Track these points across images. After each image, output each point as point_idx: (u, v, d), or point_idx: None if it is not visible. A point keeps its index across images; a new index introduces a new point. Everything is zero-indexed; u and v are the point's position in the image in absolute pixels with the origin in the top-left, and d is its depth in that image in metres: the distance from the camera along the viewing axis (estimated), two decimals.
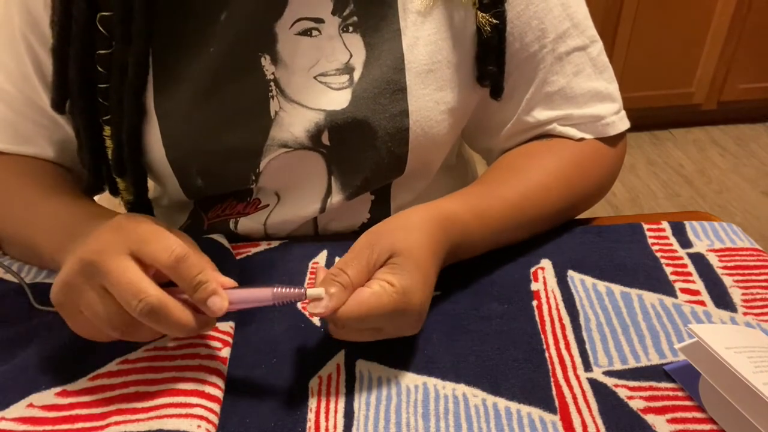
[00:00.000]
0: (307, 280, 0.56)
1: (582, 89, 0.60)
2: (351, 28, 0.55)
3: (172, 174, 0.58)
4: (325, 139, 0.57)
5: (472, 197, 0.56)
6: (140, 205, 0.61)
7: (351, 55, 0.55)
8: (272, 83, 0.56)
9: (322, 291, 0.43)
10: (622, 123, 0.62)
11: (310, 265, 0.58)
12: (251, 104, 0.56)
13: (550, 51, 0.58)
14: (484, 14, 0.55)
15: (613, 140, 0.63)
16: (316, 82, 0.55)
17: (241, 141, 0.57)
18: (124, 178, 0.59)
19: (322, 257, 0.58)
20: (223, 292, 0.43)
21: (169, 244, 0.42)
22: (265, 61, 0.55)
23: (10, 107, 0.59)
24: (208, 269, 0.43)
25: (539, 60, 0.58)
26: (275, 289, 0.43)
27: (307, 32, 0.55)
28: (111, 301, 0.41)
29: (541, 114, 0.61)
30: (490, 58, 0.57)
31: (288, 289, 0.43)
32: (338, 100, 0.55)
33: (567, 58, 0.59)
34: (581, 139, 0.61)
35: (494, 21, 0.55)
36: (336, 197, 0.60)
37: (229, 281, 0.44)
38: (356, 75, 0.55)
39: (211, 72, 0.55)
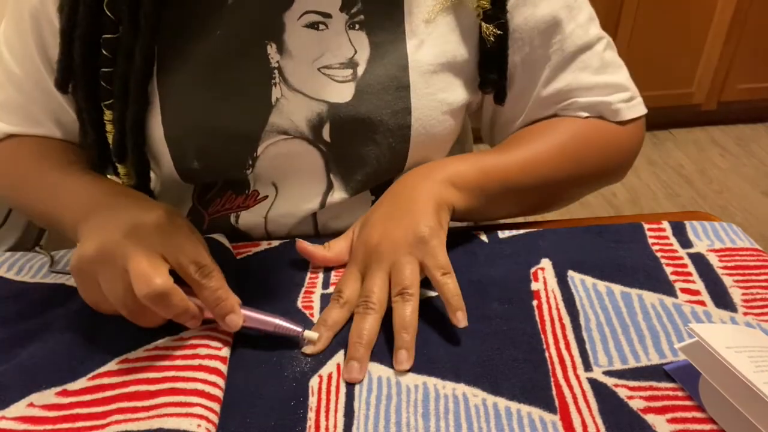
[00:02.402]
0: (307, 280, 0.56)
1: (590, 83, 0.60)
2: (357, 26, 0.55)
3: (168, 153, 0.58)
4: (326, 134, 0.57)
5: (467, 156, 0.60)
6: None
7: (355, 52, 0.56)
8: (276, 71, 0.56)
9: (316, 335, 0.48)
10: (630, 111, 0.62)
11: (310, 265, 0.58)
12: (252, 89, 0.57)
13: (557, 51, 0.59)
14: (488, 25, 0.56)
15: (624, 122, 0.63)
16: (319, 74, 0.56)
17: (239, 123, 0.57)
18: (124, 164, 0.60)
19: None
20: (240, 311, 0.48)
21: (198, 260, 0.47)
22: (271, 49, 0.56)
23: (18, 90, 0.61)
24: (226, 285, 0.48)
25: (546, 59, 0.59)
26: (278, 322, 0.48)
27: (314, 25, 0.55)
28: (128, 282, 0.44)
29: (549, 110, 0.62)
30: (492, 66, 0.59)
31: (289, 325, 0.48)
32: (342, 93, 0.56)
33: (574, 57, 0.60)
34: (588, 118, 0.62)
35: (498, 32, 0.56)
36: (337, 193, 0.61)
37: (237, 299, 0.48)
38: (360, 70, 0.56)
39: (215, 54, 0.56)
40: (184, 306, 0.46)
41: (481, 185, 0.57)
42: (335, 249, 0.57)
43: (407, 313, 0.48)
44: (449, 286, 0.49)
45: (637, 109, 0.63)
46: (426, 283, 0.52)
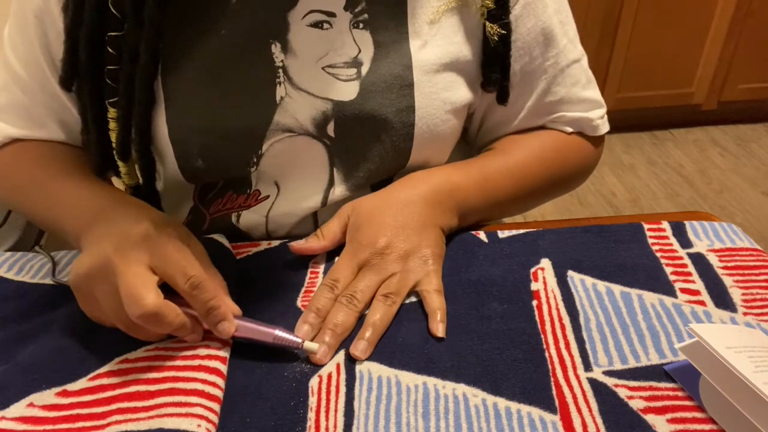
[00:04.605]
0: (307, 280, 0.56)
1: (579, 98, 0.64)
2: (361, 25, 0.56)
3: (171, 151, 0.58)
4: (330, 130, 0.58)
5: (474, 174, 0.62)
6: (147, 193, 0.62)
7: (360, 51, 0.56)
8: (280, 70, 0.57)
9: (317, 346, 0.47)
10: (604, 126, 0.67)
11: (310, 265, 0.58)
12: (257, 88, 0.57)
13: (553, 64, 0.61)
14: (492, 24, 0.57)
15: (596, 138, 0.68)
16: (324, 73, 0.56)
17: (244, 122, 0.57)
18: (126, 163, 0.60)
19: (321, 257, 0.58)
20: (232, 318, 0.47)
21: (186, 271, 0.46)
22: (276, 49, 0.56)
23: (22, 91, 0.61)
24: (220, 294, 0.47)
25: (543, 71, 0.62)
26: (277, 332, 0.47)
27: (318, 24, 0.56)
28: (120, 299, 0.44)
29: (540, 120, 0.65)
30: (495, 65, 0.60)
31: (288, 336, 0.47)
32: (346, 91, 0.57)
33: (567, 71, 0.62)
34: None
35: (502, 32, 0.57)
36: (339, 189, 0.61)
37: (236, 309, 0.48)
38: (364, 69, 0.57)
39: (220, 53, 0.56)
40: (180, 321, 0.45)
41: (479, 209, 0.61)
42: (329, 235, 0.58)
43: (382, 314, 0.50)
44: (436, 300, 0.51)
45: (606, 125, 0.68)
46: None
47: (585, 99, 0.64)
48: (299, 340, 0.47)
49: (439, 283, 0.53)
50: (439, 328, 0.49)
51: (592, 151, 0.68)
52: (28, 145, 0.63)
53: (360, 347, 0.48)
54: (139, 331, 0.46)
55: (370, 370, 0.47)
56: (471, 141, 0.72)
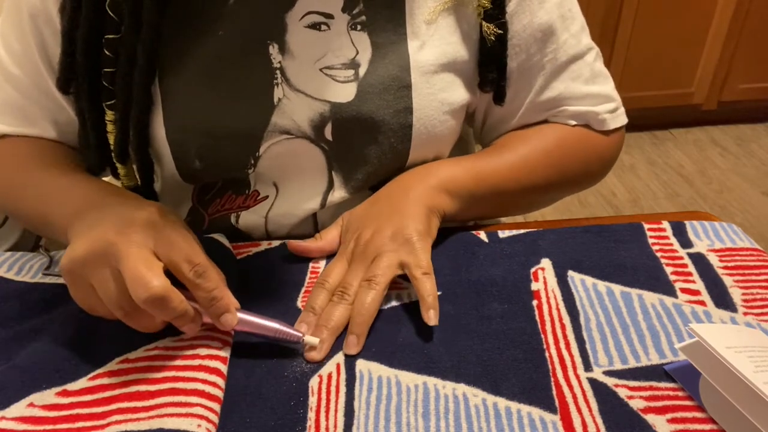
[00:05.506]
0: (307, 280, 0.56)
1: (581, 93, 0.63)
2: (359, 27, 0.56)
3: (169, 153, 0.58)
4: (328, 133, 0.58)
5: (461, 160, 0.62)
6: (145, 194, 0.62)
7: (357, 52, 0.56)
8: (278, 71, 0.56)
9: (317, 340, 0.48)
10: (614, 121, 0.65)
11: (310, 265, 0.58)
12: (255, 89, 0.57)
13: (551, 60, 0.61)
14: (488, 24, 0.57)
15: (607, 132, 0.65)
16: (321, 74, 0.56)
17: (241, 123, 0.57)
18: (125, 165, 0.60)
19: (323, 258, 0.58)
20: (235, 311, 0.47)
21: (192, 258, 0.45)
22: (273, 50, 0.56)
23: (17, 90, 0.60)
24: (222, 285, 0.47)
25: (540, 67, 0.61)
26: (278, 327, 0.47)
27: (316, 26, 0.56)
28: (122, 283, 0.43)
29: (539, 116, 0.64)
30: (492, 65, 0.60)
31: (289, 330, 0.48)
32: (344, 93, 0.56)
33: (566, 66, 0.61)
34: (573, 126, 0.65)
35: (499, 31, 0.57)
36: (338, 192, 0.61)
37: (236, 302, 0.48)
38: (362, 71, 0.56)
39: (218, 55, 0.56)
40: (183, 308, 0.44)
41: (472, 191, 0.60)
42: (327, 238, 0.58)
43: (367, 299, 0.50)
44: (426, 284, 0.50)
45: (621, 119, 0.65)
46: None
47: (588, 94, 0.63)
48: (300, 334, 0.48)
49: (428, 263, 0.52)
50: (430, 316, 0.48)
51: (605, 146, 0.66)
52: (18, 141, 0.62)
53: (349, 343, 0.48)
54: (136, 318, 0.45)
55: (370, 370, 0.47)
56: (476, 139, 0.72)
